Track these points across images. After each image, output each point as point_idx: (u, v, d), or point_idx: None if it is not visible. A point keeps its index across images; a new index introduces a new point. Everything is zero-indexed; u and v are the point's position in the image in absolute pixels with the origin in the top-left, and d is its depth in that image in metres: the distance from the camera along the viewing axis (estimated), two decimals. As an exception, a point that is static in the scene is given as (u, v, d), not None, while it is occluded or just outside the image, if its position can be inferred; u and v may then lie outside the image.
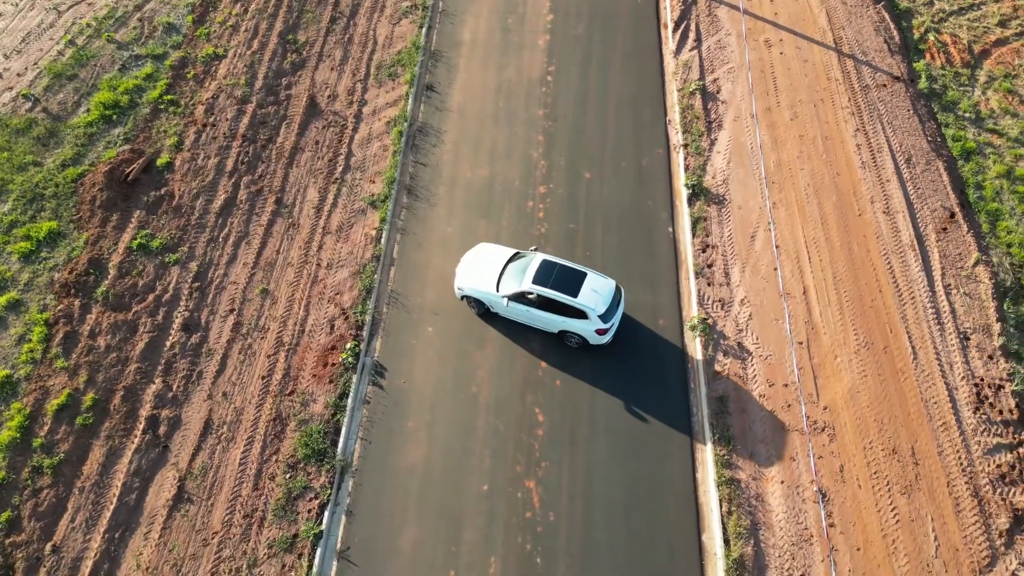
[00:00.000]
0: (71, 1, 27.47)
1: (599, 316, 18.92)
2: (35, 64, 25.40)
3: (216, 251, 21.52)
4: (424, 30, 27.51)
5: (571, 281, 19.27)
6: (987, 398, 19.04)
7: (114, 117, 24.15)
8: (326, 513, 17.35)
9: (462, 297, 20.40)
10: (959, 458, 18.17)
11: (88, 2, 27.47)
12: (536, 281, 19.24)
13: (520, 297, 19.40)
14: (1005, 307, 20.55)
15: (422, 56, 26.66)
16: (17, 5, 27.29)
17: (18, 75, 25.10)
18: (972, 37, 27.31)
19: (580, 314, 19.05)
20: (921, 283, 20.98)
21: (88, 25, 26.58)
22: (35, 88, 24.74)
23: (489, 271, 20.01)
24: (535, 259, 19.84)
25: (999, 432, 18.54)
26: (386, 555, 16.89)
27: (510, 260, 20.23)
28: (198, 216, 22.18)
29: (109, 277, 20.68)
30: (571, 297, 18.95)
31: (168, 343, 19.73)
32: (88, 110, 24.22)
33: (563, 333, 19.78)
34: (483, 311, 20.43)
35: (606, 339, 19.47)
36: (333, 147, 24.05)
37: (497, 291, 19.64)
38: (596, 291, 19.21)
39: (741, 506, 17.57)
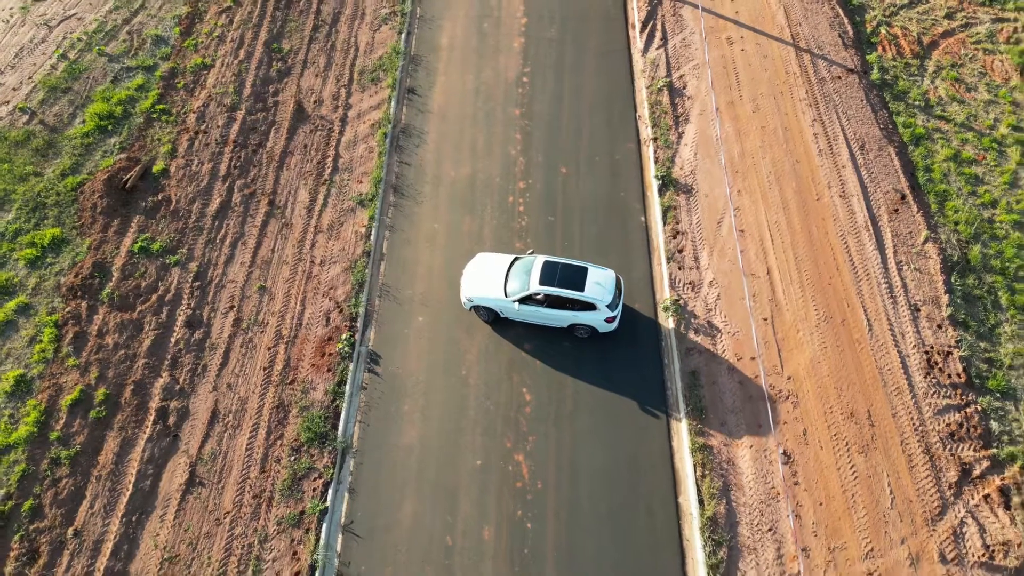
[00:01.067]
0: (61, 16, 28.43)
1: (606, 305, 20.30)
2: (29, 78, 26.36)
3: (214, 252, 22.69)
4: (404, 36, 28.78)
5: (575, 277, 20.54)
6: (936, 364, 20.69)
7: (109, 127, 25.20)
8: (330, 491, 18.63)
9: (471, 308, 21.42)
10: (911, 419, 19.80)
11: (78, 17, 28.44)
12: (543, 282, 20.43)
13: (529, 299, 20.63)
14: (952, 280, 22.22)
15: (403, 61, 27.93)
16: (8, 22, 28.18)
17: (13, 89, 26.06)
18: (921, 29, 29.05)
19: (588, 306, 20.36)
20: (875, 260, 22.60)
21: (79, 39, 27.57)
22: (31, 101, 25.72)
23: (494, 279, 21.08)
24: (536, 261, 21.03)
25: (948, 394, 20.19)
26: (388, 527, 18.21)
27: (511, 265, 21.42)
28: (195, 219, 23.32)
29: (113, 279, 21.79)
30: (579, 292, 20.23)
31: (173, 339, 20.89)
32: (84, 121, 25.25)
33: (572, 326, 21.06)
34: (493, 318, 21.47)
35: (614, 326, 20.85)
36: (321, 150, 25.27)
37: (506, 296, 20.80)
38: (599, 283, 20.55)
39: (714, 470, 19.08)
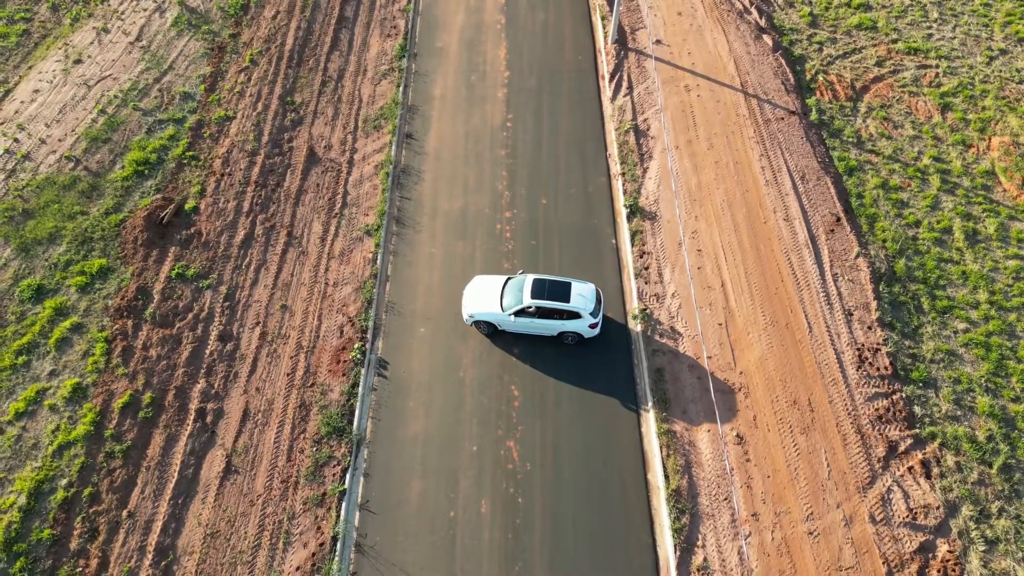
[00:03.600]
0: (98, 77, 32.18)
1: (590, 313, 23.63)
2: (73, 131, 29.94)
3: (241, 276, 25.99)
4: (401, 88, 32.67)
5: (561, 290, 23.88)
6: (867, 359, 24.10)
7: (145, 172, 28.71)
8: (347, 475, 21.63)
9: (472, 323, 24.47)
10: (846, 405, 23.12)
11: (113, 77, 32.19)
12: (534, 296, 23.69)
13: (523, 311, 23.85)
14: (880, 289, 25.80)
15: (401, 110, 31.76)
16: (52, 83, 31.89)
17: (59, 140, 29.59)
18: (854, 76, 33.28)
19: (574, 315, 23.66)
20: (814, 273, 26.19)
21: (115, 96, 31.27)
22: (75, 151, 29.24)
23: (491, 296, 24.26)
24: (527, 279, 24.31)
25: (877, 384, 23.57)
26: (398, 504, 21.21)
27: (505, 284, 24.65)
28: (223, 249, 26.68)
29: (154, 301, 25.01)
30: (565, 303, 23.53)
31: (208, 351, 24.04)
32: (123, 167, 28.76)
33: (561, 334, 24.26)
34: (491, 332, 24.58)
35: (597, 331, 24.12)
36: (331, 188, 28.83)
37: (503, 311, 23.99)
38: (582, 295, 23.93)
39: (677, 450, 22.26)
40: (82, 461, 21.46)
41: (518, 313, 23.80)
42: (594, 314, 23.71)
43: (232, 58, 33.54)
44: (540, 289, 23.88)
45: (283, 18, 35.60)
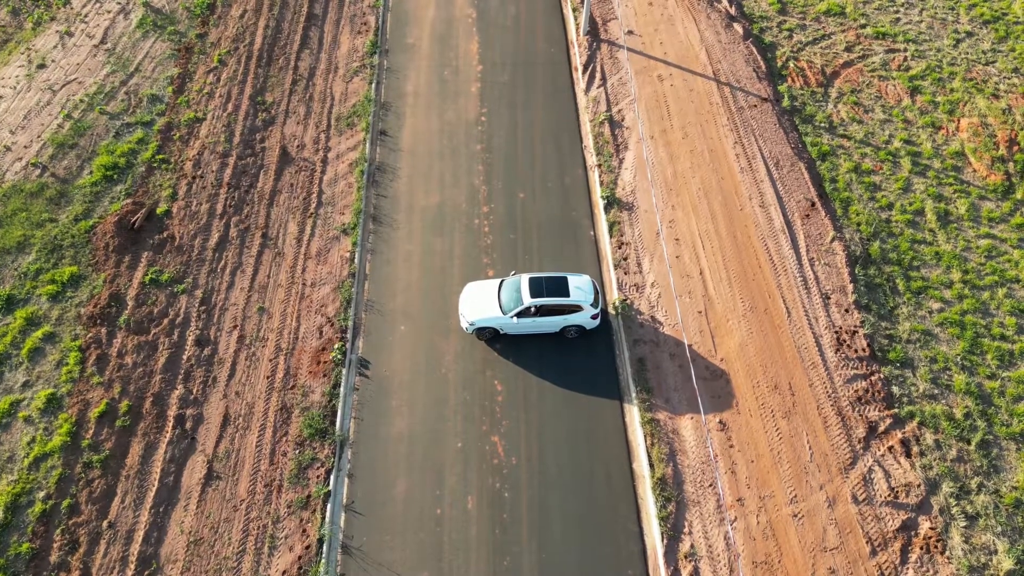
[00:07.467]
0: (63, 81, 31.54)
1: (590, 304, 23.55)
2: (39, 137, 29.31)
3: (216, 280, 25.64)
4: (374, 85, 32.39)
5: (559, 286, 23.73)
6: (845, 341, 24.34)
7: (114, 176, 28.20)
8: (332, 477, 21.44)
9: (473, 331, 23.98)
10: (825, 387, 23.34)
11: (78, 81, 31.57)
12: (534, 295, 23.47)
13: (525, 312, 23.64)
14: (856, 271, 26.05)
15: (374, 107, 31.48)
16: (16, 88, 31.20)
17: (25, 147, 28.97)
18: (824, 62, 33.53)
19: (575, 309, 23.57)
20: (791, 258, 26.38)
21: (81, 100, 30.67)
22: (42, 157, 28.63)
23: (489, 302, 23.90)
24: (522, 279, 24.04)
25: (855, 366, 23.81)
26: (384, 503, 21.07)
27: (500, 287, 24.34)
28: (197, 252, 26.30)
29: (128, 307, 24.59)
30: (565, 298, 23.40)
31: (185, 356, 23.69)
32: (91, 172, 28.22)
33: (564, 328, 24.09)
34: (493, 336, 24.20)
35: (598, 322, 24.05)
36: (306, 188, 28.52)
37: (503, 314, 23.70)
38: (580, 287, 23.83)
39: (661, 439, 22.34)
40: (60, 472, 21.07)
41: (520, 314, 23.59)
42: (595, 305, 23.65)
43: (200, 59, 33.04)
44: (538, 287, 23.69)
45: (251, 17, 35.12)
